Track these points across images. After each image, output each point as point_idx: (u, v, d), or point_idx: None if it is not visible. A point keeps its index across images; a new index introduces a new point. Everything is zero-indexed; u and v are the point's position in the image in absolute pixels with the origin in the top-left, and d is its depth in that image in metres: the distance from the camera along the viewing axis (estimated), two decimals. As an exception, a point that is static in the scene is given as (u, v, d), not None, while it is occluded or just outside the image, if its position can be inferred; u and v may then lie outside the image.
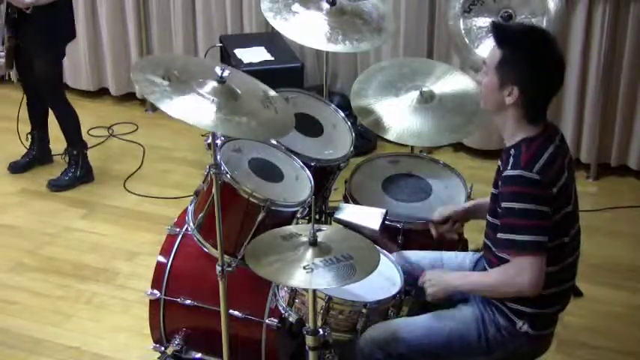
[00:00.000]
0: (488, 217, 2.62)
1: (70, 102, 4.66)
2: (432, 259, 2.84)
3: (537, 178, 2.39)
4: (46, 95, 4.58)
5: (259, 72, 4.40)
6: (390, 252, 2.87)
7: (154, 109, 5.60)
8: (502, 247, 2.47)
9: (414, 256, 2.88)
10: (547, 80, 2.48)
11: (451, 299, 2.68)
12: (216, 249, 2.71)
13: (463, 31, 3.53)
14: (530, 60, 2.44)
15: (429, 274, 2.67)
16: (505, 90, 2.46)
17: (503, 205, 2.44)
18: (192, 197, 2.97)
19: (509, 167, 2.44)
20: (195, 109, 2.46)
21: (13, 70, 4.57)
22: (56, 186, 4.68)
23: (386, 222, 2.97)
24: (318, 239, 2.38)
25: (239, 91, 2.59)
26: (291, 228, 2.59)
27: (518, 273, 2.42)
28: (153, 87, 2.48)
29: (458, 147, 5.07)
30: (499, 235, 2.46)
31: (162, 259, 3.12)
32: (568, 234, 2.53)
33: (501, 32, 2.52)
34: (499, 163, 2.58)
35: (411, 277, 2.75)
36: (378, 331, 2.61)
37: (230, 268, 2.76)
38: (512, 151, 2.47)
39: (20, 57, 4.49)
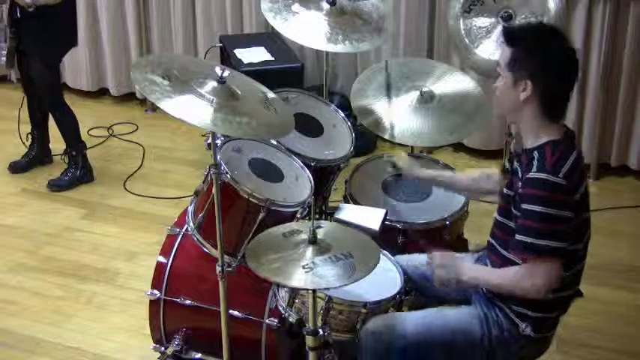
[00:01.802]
0: (497, 216, 2.61)
1: (68, 104, 4.66)
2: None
3: (563, 182, 2.38)
4: (44, 98, 4.58)
5: (259, 72, 4.42)
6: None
7: (154, 109, 5.60)
8: (518, 249, 2.44)
9: (415, 259, 2.86)
10: (559, 72, 2.46)
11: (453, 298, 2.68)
12: (216, 249, 2.71)
13: (463, 31, 3.53)
14: (540, 52, 2.44)
15: (442, 256, 2.63)
16: (519, 86, 2.45)
17: (525, 206, 2.41)
18: (192, 197, 2.97)
19: (533, 169, 2.41)
20: (196, 108, 2.46)
21: (14, 69, 4.57)
22: (56, 186, 4.68)
23: (386, 222, 2.97)
24: (318, 236, 2.38)
25: (239, 92, 2.59)
26: (292, 224, 2.59)
27: (532, 276, 2.41)
28: (153, 86, 2.48)
29: (458, 147, 5.07)
30: (517, 237, 2.44)
31: (162, 259, 3.12)
32: (582, 240, 2.53)
33: (510, 32, 2.53)
34: (516, 164, 2.55)
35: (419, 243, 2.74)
36: (379, 323, 2.59)
37: (230, 268, 2.76)
38: (535, 154, 2.45)
39: (21, 58, 4.49)
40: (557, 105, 2.49)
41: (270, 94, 2.78)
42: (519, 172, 2.49)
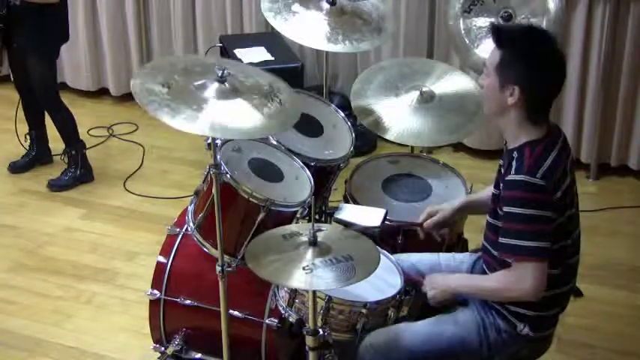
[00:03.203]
0: (488, 218, 2.61)
1: (65, 103, 4.66)
2: (429, 262, 2.82)
3: (541, 183, 2.37)
4: (40, 97, 4.58)
5: (259, 72, 4.42)
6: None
7: (154, 109, 5.60)
8: (503, 251, 2.45)
9: (412, 258, 2.86)
10: (547, 79, 2.46)
11: (452, 302, 2.68)
12: (216, 249, 2.71)
13: (463, 31, 3.53)
14: (530, 59, 2.43)
15: (430, 278, 2.67)
16: (506, 90, 2.44)
17: (505, 209, 2.42)
18: (192, 197, 2.97)
19: (512, 171, 2.41)
20: (194, 117, 2.44)
21: (5, 66, 4.57)
22: (56, 186, 4.68)
23: (386, 222, 2.96)
24: (318, 239, 2.38)
25: (240, 89, 2.58)
26: (292, 227, 2.59)
27: (520, 279, 2.41)
28: (151, 96, 2.46)
29: (458, 147, 5.07)
30: (501, 240, 2.44)
31: (162, 259, 3.12)
32: (570, 236, 2.52)
33: (500, 33, 2.51)
34: (500, 162, 2.57)
35: (410, 281, 2.75)
36: (379, 337, 2.59)
37: (230, 268, 2.76)
38: (515, 154, 2.45)
39: (14, 58, 4.49)
40: (541, 110, 2.49)
41: (278, 84, 2.74)
42: (502, 173, 2.50)
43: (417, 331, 2.62)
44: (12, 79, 4.67)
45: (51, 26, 4.38)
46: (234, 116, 2.51)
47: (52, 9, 4.32)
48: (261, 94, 2.64)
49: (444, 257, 2.86)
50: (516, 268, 2.42)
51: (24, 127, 4.80)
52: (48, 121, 4.75)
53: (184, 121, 2.43)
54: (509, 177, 2.41)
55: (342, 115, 3.44)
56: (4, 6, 4.27)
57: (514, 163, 2.43)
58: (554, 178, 2.41)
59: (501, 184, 2.47)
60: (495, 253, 2.53)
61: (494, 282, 2.52)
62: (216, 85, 2.54)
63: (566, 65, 2.51)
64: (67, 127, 4.67)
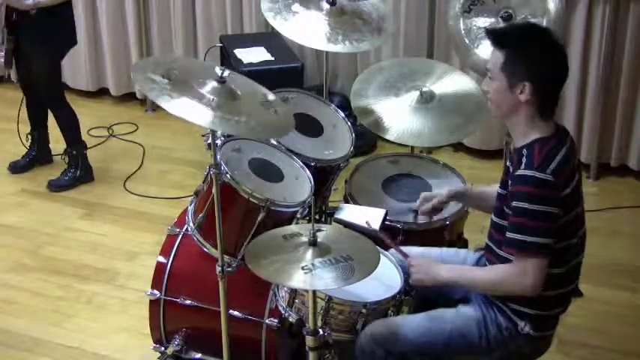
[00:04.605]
0: (493, 217, 2.61)
1: (69, 103, 4.67)
2: (432, 257, 2.82)
3: (551, 179, 2.38)
4: (45, 97, 4.59)
5: (259, 72, 4.42)
6: (388, 248, 2.85)
7: (154, 109, 5.61)
8: (507, 245, 2.45)
9: (414, 251, 2.86)
10: (554, 69, 2.47)
11: (440, 292, 2.68)
12: (216, 249, 2.71)
13: (463, 31, 3.53)
14: (535, 53, 2.44)
15: (417, 260, 2.66)
16: (517, 89, 2.45)
17: (514, 204, 2.42)
18: (192, 197, 2.97)
19: (522, 167, 2.42)
20: (194, 106, 2.45)
21: (13, 69, 4.58)
22: (56, 186, 4.69)
23: (386, 222, 2.97)
24: (318, 239, 2.38)
25: (239, 92, 2.59)
26: (292, 227, 2.59)
27: (520, 274, 2.42)
28: (152, 84, 2.47)
29: (458, 147, 5.07)
30: (508, 234, 2.44)
31: (162, 259, 3.12)
32: (575, 235, 2.53)
33: (498, 35, 2.52)
34: (508, 163, 2.56)
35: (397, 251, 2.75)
36: (379, 328, 2.60)
37: (230, 268, 2.76)
38: (524, 151, 2.45)
39: (20, 59, 4.50)
40: (551, 103, 2.50)
41: (271, 96, 2.78)
42: (511, 171, 2.50)
43: (417, 323, 2.62)
44: (15, 79, 4.67)
45: (57, 30, 4.39)
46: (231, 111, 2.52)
47: (58, 13, 4.33)
48: (259, 101, 2.66)
49: (447, 252, 2.86)
50: (517, 264, 2.43)
51: (26, 127, 4.80)
52: (50, 122, 4.76)
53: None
54: (519, 172, 2.42)
55: (342, 115, 3.45)
56: (12, 12, 4.31)
57: (524, 159, 2.43)
58: (564, 175, 2.42)
59: (510, 181, 2.47)
60: (500, 251, 2.53)
61: (492, 275, 2.52)
62: (215, 84, 2.54)
63: (567, 54, 2.52)
64: (70, 126, 4.67)
